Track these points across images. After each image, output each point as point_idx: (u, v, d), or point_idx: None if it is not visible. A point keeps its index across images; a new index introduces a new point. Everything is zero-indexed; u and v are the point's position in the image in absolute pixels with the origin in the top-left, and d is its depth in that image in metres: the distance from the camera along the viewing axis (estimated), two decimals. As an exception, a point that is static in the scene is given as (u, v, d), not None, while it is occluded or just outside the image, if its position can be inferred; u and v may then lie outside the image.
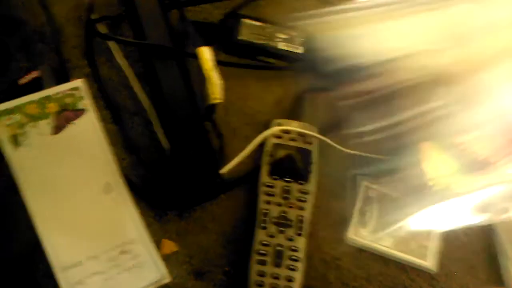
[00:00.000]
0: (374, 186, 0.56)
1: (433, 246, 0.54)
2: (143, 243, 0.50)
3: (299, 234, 0.51)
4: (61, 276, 0.46)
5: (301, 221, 0.52)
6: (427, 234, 0.55)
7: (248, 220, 0.53)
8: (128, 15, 0.56)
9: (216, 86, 0.51)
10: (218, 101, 0.51)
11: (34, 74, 0.51)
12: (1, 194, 0.49)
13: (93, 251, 0.48)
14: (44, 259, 0.47)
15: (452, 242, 0.55)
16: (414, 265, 0.54)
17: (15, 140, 0.48)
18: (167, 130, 0.52)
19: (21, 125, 0.48)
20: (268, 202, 0.52)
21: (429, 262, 0.54)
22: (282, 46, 0.60)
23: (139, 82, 0.56)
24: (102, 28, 0.56)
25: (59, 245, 0.47)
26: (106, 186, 0.50)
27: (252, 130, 0.57)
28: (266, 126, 0.57)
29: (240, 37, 0.59)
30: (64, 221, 0.48)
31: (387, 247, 0.54)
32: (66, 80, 0.53)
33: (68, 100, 0.49)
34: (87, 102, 0.50)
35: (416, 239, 0.54)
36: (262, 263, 0.50)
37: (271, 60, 0.61)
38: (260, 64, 0.61)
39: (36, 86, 0.50)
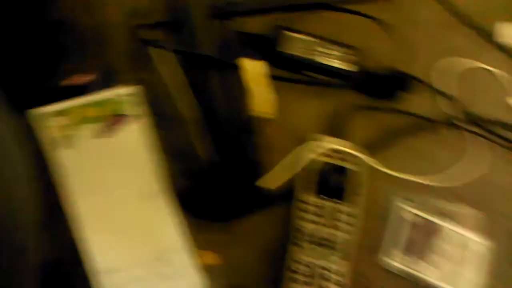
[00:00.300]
0: (413, 210, 0.56)
1: (469, 274, 0.53)
2: (183, 253, 0.49)
3: (338, 257, 0.51)
4: (99, 281, 0.46)
5: (337, 242, 0.51)
6: (463, 261, 0.54)
7: (288, 237, 0.53)
8: (177, 23, 0.56)
9: (261, 100, 0.51)
10: (264, 115, 0.51)
11: (85, 77, 0.51)
12: (44, 193, 0.49)
13: (133, 258, 0.48)
14: (84, 262, 0.47)
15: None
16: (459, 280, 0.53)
17: (64, 141, 0.48)
18: (210, 141, 0.52)
19: (72, 127, 0.48)
20: (305, 220, 0.52)
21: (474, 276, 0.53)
22: (327, 61, 0.59)
23: (184, 90, 0.55)
24: (151, 34, 0.56)
25: (99, 248, 0.47)
26: (149, 193, 0.50)
27: (292, 145, 0.57)
28: (308, 141, 0.57)
29: (285, 50, 0.59)
30: (107, 225, 0.48)
31: (422, 272, 0.53)
32: (115, 84, 0.53)
33: (119, 106, 0.49)
34: (138, 108, 0.50)
35: (452, 265, 0.54)
36: (296, 281, 0.50)
37: (316, 75, 0.60)
38: (303, 78, 0.60)
39: (85, 88, 0.50)
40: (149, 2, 0.59)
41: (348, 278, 0.50)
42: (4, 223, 0.32)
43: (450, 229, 0.55)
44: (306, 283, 0.49)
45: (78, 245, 0.47)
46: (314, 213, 0.52)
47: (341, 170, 0.54)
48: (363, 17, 0.65)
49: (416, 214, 0.55)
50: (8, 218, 0.32)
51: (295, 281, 0.50)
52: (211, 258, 0.51)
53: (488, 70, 0.65)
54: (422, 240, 0.54)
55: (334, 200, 0.53)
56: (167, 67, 0.56)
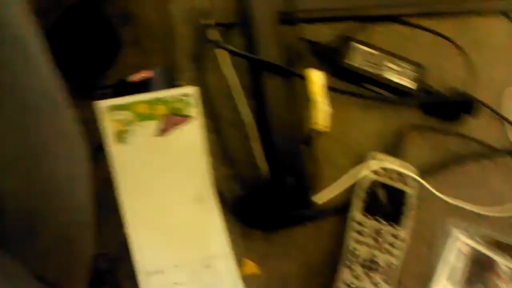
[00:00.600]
0: (469, 242, 0.53)
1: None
2: (226, 260, 0.49)
3: (387, 282, 0.49)
4: (143, 281, 0.46)
5: (390, 268, 0.49)
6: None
7: (333, 254, 0.51)
8: (242, 25, 0.55)
9: (321, 112, 0.49)
10: (320, 127, 0.49)
11: (145, 73, 0.51)
12: (98, 187, 0.50)
13: (177, 260, 0.48)
14: (129, 260, 0.47)
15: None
16: None
17: (120, 136, 0.48)
18: (267, 150, 0.50)
19: (129, 123, 0.48)
20: (356, 241, 0.50)
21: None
22: (392, 77, 0.57)
23: (243, 94, 0.55)
24: (214, 34, 0.56)
25: (146, 249, 0.47)
26: (198, 196, 0.49)
27: (348, 160, 0.55)
28: (363, 158, 0.55)
29: (350, 62, 0.57)
30: (154, 225, 0.48)
31: None
32: (174, 81, 0.52)
33: (178, 105, 0.49)
34: (196, 110, 0.49)
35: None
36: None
37: (379, 90, 0.58)
38: (366, 93, 0.58)
39: (145, 85, 0.50)
40: (218, 2, 0.58)
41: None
42: (62, 219, 0.32)
43: (506, 266, 0.52)
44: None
45: (126, 243, 0.47)
46: (368, 235, 0.50)
47: (397, 191, 0.52)
48: (433, 34, 0.62)
49: (473, 247, 0.52)
50: (66, 214, 0.32)
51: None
52: (252, 267, 0.50)
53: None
54: (476, 274, 0.51)
55: (389, 222, 0.51)
56: (230, 69, 0.55)
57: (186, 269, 0.48)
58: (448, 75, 0.61)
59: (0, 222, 0.27)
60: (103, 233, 0.48)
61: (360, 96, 0.58)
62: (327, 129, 0.48)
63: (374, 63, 0.57)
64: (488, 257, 0.52)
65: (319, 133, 0.51)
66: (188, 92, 0.49)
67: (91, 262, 0.39)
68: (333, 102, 0.57)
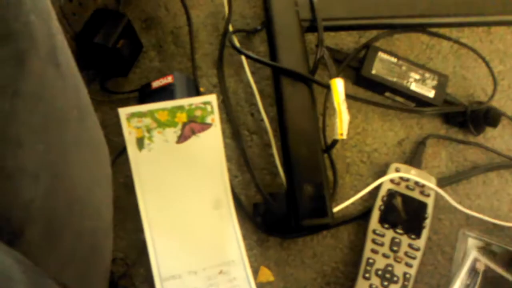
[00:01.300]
0: (484, 259, 0.52)
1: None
2: (242, 267, 0.49)
3: (401, 291, 0.48)
4: (159, 286, 0.47)
5: (406, 279, 0.49)
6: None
7: (349, 263, 0.51)
8: (265, 31, 0.55)
9: (343, 121, 0.49)
10: (342, 137, 0.49)
11: (167, 79, 0.51)
12: (116, 190, 0.50)
13: (194, 266, 0.48)
14: (146, 265, 0.48)
15: None
16: None
17: (141, 143, 0.48)
18: (286, 157, 0.50)
19: (149, 129, 0.48)
20: (375, 251, 0.50)
21: None
22: (413, 86, 0.56)
23: (265, 102, 0.55)
24: (235, 40, 0.56)
25: (163, 254, 0.48)
26: (217, 202, 0.50)
27: (367, 170, 0.55)
28: (383, 167, 0.55)
29: (372, 71, 0.56)
30: (171, 230, 0.48)
31: None
32: (197, 89, 0.53)
33: (198, 113, 0.49)
34: (215, 118, 0.49)
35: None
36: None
37: (399, 99, 0.58)
38: (387, 101, 0.58)
39: (167, 91, 0.51)
40: (242, 8, 0.59)
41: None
42: (86, 226, 0.32)
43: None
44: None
45: (144, 246, 0.47)
46: (385, 246, 0.50)
47: (418, 203, 0.52)
48: (456, 44, 0.62)
49: (487, 265, 0.51)
50: (91, 220, 0.33)
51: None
52: (267, 275, 0.50)
53: None
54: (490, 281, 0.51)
55: (409, 234, 0.50)
56: (254, 76, 0.55)
57: (203, 275, 0.48)
58: (471, 85, 0.60)
59: (25, 231, 0.28)
60: (120, 238, 0.49)
61: (381, 105, 0.57)
62: (345, 137, 0.48)
63: (396, 72, 0.57)
64: (502, 277, 0.52)
65: (339, 141, 0.51)
66: (208, 100, 0.49)
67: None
68: (354, 111, 0.57)
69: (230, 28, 0.55)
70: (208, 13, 0.59)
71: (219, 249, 0.49)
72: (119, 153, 0.51)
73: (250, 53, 0.53)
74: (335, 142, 0.50)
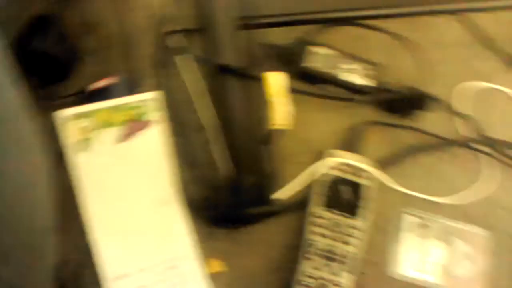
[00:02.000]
0: (420, 222, 0.56)
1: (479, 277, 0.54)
2: (192, 260, 0.50)
3: (345, 270, 0.51)
4: (109, 286, 0.47)
5: (347, 257, 0.51)
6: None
7: (296, 248, 0.53)
8: (203, 32, 0.57)
9: (279, 112, 0.51)
10: (279, 127, 0.51)
11: (105, 81, 0.52)
12: (62, 194, 0.51)
13: (142, 264, 0.49)
14: (92, 265, 0.48)
15: None
16: None
17: (82, 145, 0.49)
18: (226, 150, 0.52)
19: (91, 130, 0.49)
20: (315, 233, 0.52)
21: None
22: (349, 77, 0.60)
23: (205, 98, 0.56)
24: (174, 40, 0.57)
25: (110, 254, 0.48)
26: (162, 199, 0.51)
27: (308, 158, 0.58)
28: (322, 155, 0.57)
29: (307, 64, 0.59)
30: (117, 230, 0.49)
31: (433, 280, 0.54)
32: (136, 88, 0.54)
33: (139, 111, 0.50)
34: (156, 115, 0.50)
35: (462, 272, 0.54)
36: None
37: (334, 89, 0.61)
38: (323, 92, 0.61)
39: (107, 93, 0.51)
40: (178, 9, 0.60)
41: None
42: (22, 226, 0.33)
43: (456, 247, 0.55)
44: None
45: (90, 248, 0.48)
46: (326, 227, 0.52)
47: (353, 185, 0.55)
48: (388, 34, 0.65)
49: (423, 230, 0.55)
50: (26, 220, 0.33)
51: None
52: (217, 266, 0.52)
53: (507, 93, 0.65)
54: (427, 254, 0.55)
55: (346, 214, 0.53)
56: (190, 74, 0.57)
57: (152, 272, 0.49)
58: (403, 73, 0.64)
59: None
60: (66, 241, 0.49)
61: (319, 96, 0.60)
62: (289, 127, 0.50)
63: (331, 64, 0.60)
64: (439, 240, 0.55)
65: (279, 132, 0.53)
66: (149, 98, 0.50)
67: (54, 270, 0.40)
68: (293, 103, 0.60)
69: (168, 29, 0.57)
70: (147, 15, 0.60)
71: (167, 245, 0.50)
72: (61, 157, 0.51)
73: (189, 52, 0.54)
74: (274, 133, 0.52)
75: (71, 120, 0.49)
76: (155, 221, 0.50)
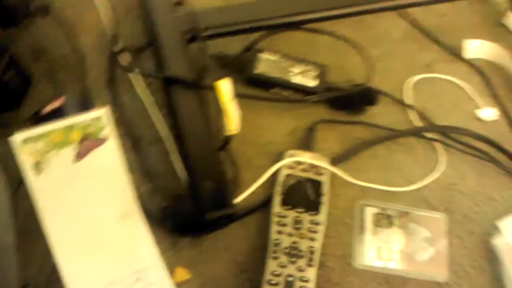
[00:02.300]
0: (381, 213, 0.58)
1: (439, 258, 0.56)
2: (157, 271, 0.51)
3: (310, 265, 0.52)
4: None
5: (312, 252, 0.53)
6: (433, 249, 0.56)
7: (260, 249, 0.54)
8: (150, 47, 0.58)
9: (232, 119, 0.53)
10: (234, 133, 0.53)
11: (57, 103, 0.53)
12: (22, 219, 0.51)
13: (109, 278, 0.49)
14: (61, 285, 0.48)
15: (459, 274, 0.56)
16: (425, 277, 0.55)
17: (38, 167, 0.50)
18: (184, 160, 0.53)
19: (44, 153, 0.50)
20: (279, 232, 0.54)
21: (437, 272, 0.55)
22: (296, 79, 0.62)
23: (158, 112, 0.58)
24: (125, 58, 0.59)
25: (75, 272, 0.49)
26: (123, 213, 0.52)
27: (266, 160, 0.59)
28: (280, 156, 0.59)
29: (257, 70, 0.61)
30: (81, 248, 0.50)
31: (396, 267, 0.55)
32: (89, 108, 0.55)
33: (90, 129, 0.51)
34: (109, 131, 0.51)
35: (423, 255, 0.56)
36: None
37: (286, 93, 0.63)
38: (275, 96, 0.63)
39: (60, 114, 0.52)
40: (127, 27, 0.61)
41: (316, 285, 0.52)
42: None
43: (417, 233, 0.57)
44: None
45: (54, 268, 0.48)
46: (290, 226, 0.54)
47: (313, 182, 0.56)
48: (332, 36, 0.68)
49: (379, 219, 0.57)
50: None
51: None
52: (183, 274, 0.52)
53: (456, 84, 0.68)
54: (389, 243, 0.56)
55: (308, 211, 0.54)
56: (143, 90, 0.58)
57: (119, 285, 0.50)
58: (350, 72, 0.66)
59: None
60: (31, 263, 0.50)
61: (270, 99, 0.62)
62: (238, 131, 0.52)
63: (278, 69, 0.62)
64: (396, 228, 0.57)
65: (233, 137, 0.55)
66: (99, 115, 0.51)
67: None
68: (246, 108, 0.61)
69: (117, 48, 0.58)
70: (96, 36, 0.61)
71: (132, 258, 0.51)
72: (20, 182, 0.52)
73: (138, 69, 0.56)
74: (228, 138, 0.54)
75: (25, 144, 0.49)
76: (118, 235, 0.51)
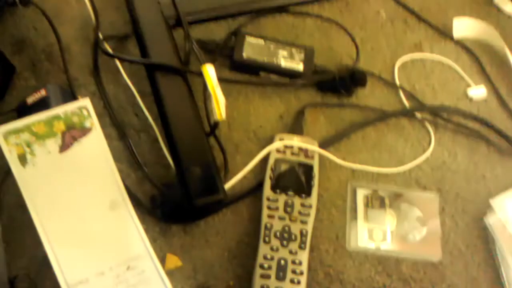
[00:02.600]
0: (373, 194, 0.57)
1: (432, 238, 0.56)
2: (149, 259, 0.50)
3: (302, 248, 0.52)
4: (68, 292, 0.47)
5: (303, 235, 0.52)
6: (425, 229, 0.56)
7: (252, 234, 0.54)
8: (134, 34, 0.57)
9: (219, 104, 0.52)
10: (221, 118, 0.52)
11: (41, 93, 0.52)
12: (10, 211, 0.51)
13: (100, 268, 0.49)
14: (51, 276, 0.48)
15: (452, 253, 0.56)
16: (418, 257, 0.55)
17: (23, 159, 0.49)
18: (171, 147, 0.53)
19: (29, 144, 0.49)
20: (271, 216, 0.53)
21: (431, 252, 0.55)
22: (283, 62, 0.61)
23: (146, 99, 0.57)
24: (108, 47, 0.58)
25: (66, 262, 0.48)
26: (112, 203, 0.51)
27: (255, 145, 0.59)
28: (269, 141, 0.58)
29: (243, 55, 0.60)
30: (71, 238, 0.49)
31: (389, 248, 0.55)
32: (73, 98, 0.54)
33: (75, 119, 0.50)
34: (93, 120, 0.51)
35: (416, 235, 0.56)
36: (266, 276, 0.51)
37: (273, 77, 0.62)
38: (263, 81, 0.62)
39: (43, 104, 0.51)
40: (110, 16, 0.61)
41: (308, 268, 0.52)
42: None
43: (409, 213, 0.57)
44: (278, 278, 0.50)
45: (45, 259, 0.48)
46: (282, 210, 0.53)
47: (304, 165, 0.56)
48: (319, 19, 0.67)
49: (371, 200, 0.57)
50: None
51: (268, 277, 0.51)
52: (174, 261, 0.52)
53: (446, 63, 0.67)
54: (382, 224, 0.56)
55: (300, 194, 0.54)
56: (130, 78, 0.57)
57: (111, 274, 0.49)
58: (338, 54, 0.66)
59: None
60: (20, 255, 0.49)
61: (258, 84, 0.61)
62: (224, 118, 0.51)
63: (265, 53, 0.61)
64: (388, 208, 0.57)
65: (221, 123, 0.54)
66: (83, 104, 0.50)
67: (7, 284, 0.39)
68: (235, 94, 0.61)
69: (100, 36, 0.57)
70: (78, 26, 0.60)
71: (123, 247, 0.50)
72: (5, 175, 0.51)
73: (122, 56, 0.55)
74: (216, 124, 0.53)
75: (9, 135, 0.48)
76: (108, 224, 0.50)
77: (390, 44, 0.68)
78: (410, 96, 0.64)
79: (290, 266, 0.51)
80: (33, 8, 0.58)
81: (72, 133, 0.50)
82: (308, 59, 0.62)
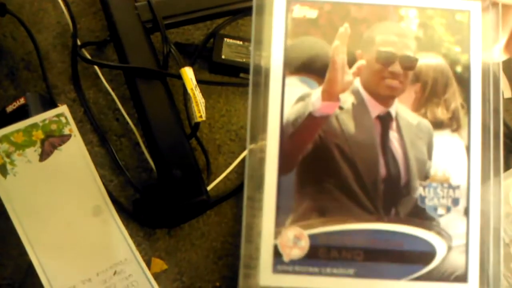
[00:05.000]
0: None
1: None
2: (135, 263, 0.51)
3: (286, 246, 0.52)
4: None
5: (287, 233, 0.53)
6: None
7: (236, 234, 0.54)
8: (112, 40, 0.58)
9: (199, 105, 0.53)
10: (202, 119, 0.53)
11: (20, 102, 0.52)
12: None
13: (86, 274, 0.49)
14: (36, 285, 0.48)
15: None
16: None
17: (3, 170, 0.49)
18: (153, 150, 0.53)
19: (8, 154, 0.49)
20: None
21: None
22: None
23: (126, 104, 0.57)
24: (87, 53, 0.58)
25: (51, 270, 0.48)
26: (95, 209, 0.51)
27: (237, 146, 0.59)
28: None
29: (222, 56, 0.61)
30: (55, 246, 0.49)
31: None
32: (54, 105, 0.54)
33: (53, 127, 0.50)
34: (72, 127, 0.51)
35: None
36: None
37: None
38: (242, 81, 0.62)
39: (23, 113, 0.51)
40: (88, 23, 0.61)
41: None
42: None
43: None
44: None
45: (30, 267, 0.48)
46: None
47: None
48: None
49: None
50: None
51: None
52: (160, 265, 0.52)
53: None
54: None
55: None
56: (110, 83, 0.57)
57: (97, 280, 0.49)
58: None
59: None
60: (5, 265, 0.49)
61: (239, 85, 0.62)
62: (204, 118, 0.51)
63: (243, 53, 0.61)
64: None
65: (201, 124, 0.54)
66: (61, 112, 0.51)
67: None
68: (215, 96, 0.61)
69: (79, 42, 0.57)
70: (56, 34, 0.60)
71: (108, 252, 0.51)
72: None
73: (100, 61, 0.55)
74: (197, 125, 0.53)
75: (-16, 147, 0.48)
76: (92, 231, 0.50)
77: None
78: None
79: (275, 265, 0.51)
80: (9, 17, 0.57)
81: (51, 141, 0.50)
82: (287, 59, 0.62)
